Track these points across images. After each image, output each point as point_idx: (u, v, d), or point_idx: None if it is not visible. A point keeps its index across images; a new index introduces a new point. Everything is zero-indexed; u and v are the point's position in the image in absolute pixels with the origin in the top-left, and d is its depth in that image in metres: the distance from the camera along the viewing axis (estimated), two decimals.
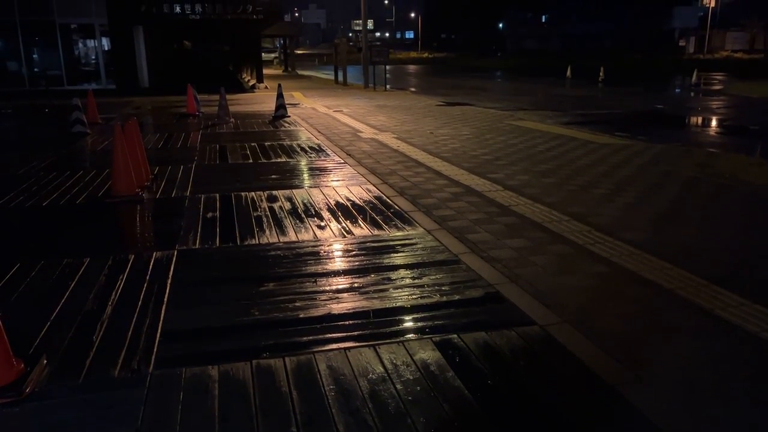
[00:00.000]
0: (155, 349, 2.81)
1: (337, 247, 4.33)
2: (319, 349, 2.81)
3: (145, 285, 3.59)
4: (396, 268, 3.87)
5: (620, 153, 7.98)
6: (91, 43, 20.89)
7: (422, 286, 3.57)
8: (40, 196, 5.84)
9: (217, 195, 5.83)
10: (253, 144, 9.02)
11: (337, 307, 3.27)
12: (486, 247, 4.23)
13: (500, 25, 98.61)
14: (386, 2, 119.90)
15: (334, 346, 2.84)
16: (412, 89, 23.85)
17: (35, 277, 3.72)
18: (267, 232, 4.65)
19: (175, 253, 4.17)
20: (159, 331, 3.00)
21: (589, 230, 4.59)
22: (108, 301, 3.37)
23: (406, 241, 4.40)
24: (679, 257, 3.96)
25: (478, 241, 4.36)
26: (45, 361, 2.68)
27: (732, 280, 3.60)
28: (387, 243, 4.37)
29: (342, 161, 7.60)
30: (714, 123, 14.00)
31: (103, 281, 3.66)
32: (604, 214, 5.03)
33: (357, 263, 3.97)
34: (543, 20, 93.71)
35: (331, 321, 3.11)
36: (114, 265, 3.93)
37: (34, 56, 20.09)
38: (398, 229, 4.72)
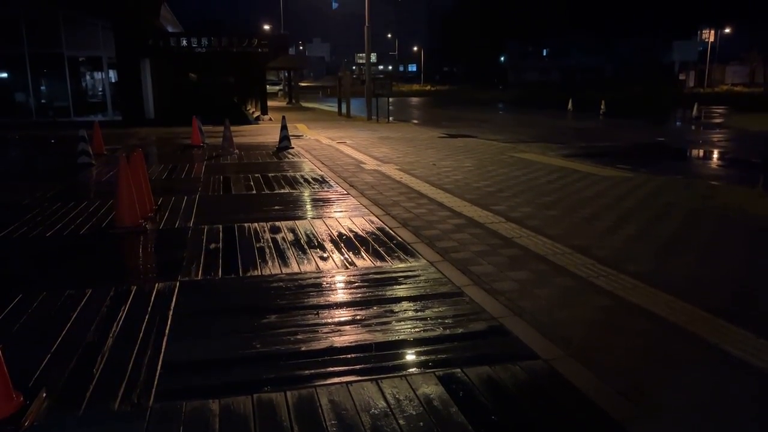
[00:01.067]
0: (156, 382, 2.79)
1: (340, 278, 4.32)
2: (321, 382, 2.79)
3: (147, 316, 3.58)
4: (399, 300, 3.86)
5: (622, 185, 8.00)
6: (98, 75, 21.22)
7: (425, 318, 3.55)
8: (44, 227, 5.85)
9: (220, 226, 5.84)
10: (256, 175, 9.07)
11: (339, 340, 3.25)
12: (489, 279, 4.21)
13: (501, 58, 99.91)
14: (389, 36, 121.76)
15: (336, 380, 2.81)
16: (415, 121, 24.06)
17: (37, 309, 3.71)
18: (269, 263, 4.65)
19: (177, 284, 4.17)
20: (160, 363, 2.98)
21: (593, 263, 4.57)
22: (109, 332, 3.35)
23: (409, 273, 4.39)
24: (683, 290, 3.94)
25: (482, 273, 4.35)
26: (44, 394, 2.65)
27: (737, 313, 3.57)
28: (390, 275, 4.36)
29: (345, 192, 7.63)
30: (715, 156, 14.06)
31: (104, 313, 3.64)
32: (608, 247, 5.02)
33: (359, 295, 3.96)
34: (544, 53, 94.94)
35: (333, 354, 3.09)
36: (116, 296, 3.92)
37: (42, 88, 20.40)
38: (401, 260, 4.71)
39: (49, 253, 5.10)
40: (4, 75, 20.23)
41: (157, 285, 4.14)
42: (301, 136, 15.51)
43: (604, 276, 4.26)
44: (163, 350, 3.12)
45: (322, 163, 10.26)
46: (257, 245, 5.16)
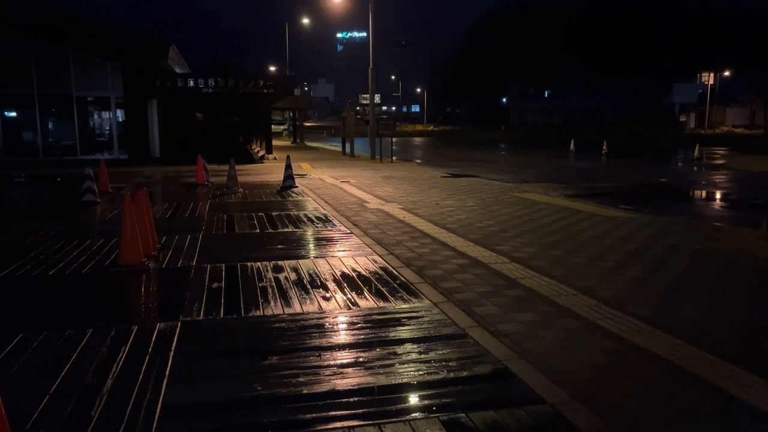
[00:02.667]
0: (154, 426, 2.74)
1: (342, 319, 4.28)
2: (323, 427, 2.73)
3: (147, 357, 3.54)
4: (402, 342, 3.82)
5: (626, 226, 7.99)
6: (105, 114, 21.53)
7: (429, 361, 3.50)
8: (47, 265, 5.85)
9: (223, 265, 5.83)
10: (260, 214, 9.10)
11: (341, 383, 3.20)
12: (493, 320, 4.17)
13: (503, 100, 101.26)
14: (393, 77, 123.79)
15: (338, 424, 2.76)
16: (418, 161, 24.24)
17: (37, 349, 3.68)
18: (272, 303, 4.62)
19: (179, 324, 4.13)
20: (159, 406, 2.93)
21: (598, 304, 4.53)
22: (109, 373, 3.31)
23: (413, 314, 4.35)
24: (689, 333, 3.89)
25: (486, 314, 4.31)
26: None
27: (744, 357, 3.52)
28: (393, 315, 4.33)
29: (348, 231, 7.64)
30: (718, 197, 14.07)
31: (104, 353, 3.61)
32: (612, 288, 4.98)
33: (362, 336, 3.92)
34: (545, 95, 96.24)
35: (335, 397, 3.04)
36: (117, 336, 3.89)
37: (50, 127, 20.68)
38: (404, 301, 4.68)
39: (52, 291, 5.08)
40: (13, 114, 20.53)
41: (158, 325, 4.11)
42: (305, 175, 15.61)
43: (609, 318, 4.22)
44: (162, 392, 3.08)
45: (326, 202, 10.30)
46: (260, 285, 5.14)
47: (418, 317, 4.29)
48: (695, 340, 3.78)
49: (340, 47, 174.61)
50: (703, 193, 14.89)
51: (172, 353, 3.61)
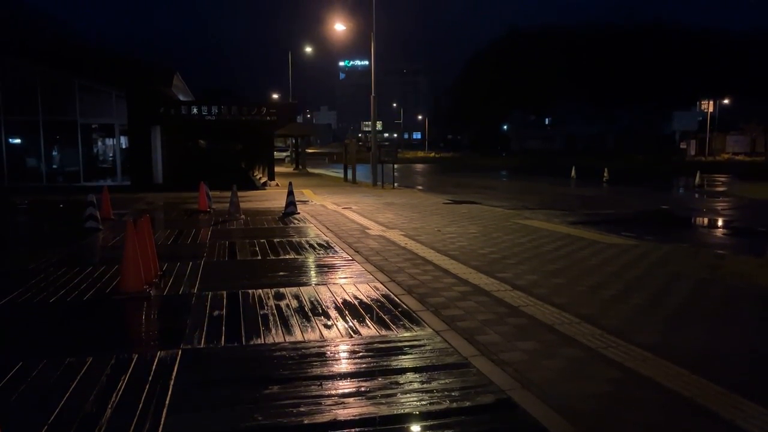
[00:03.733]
0: None
1: (344, 347, 4.25)
2: None
3: (147, 386, 3.51)
4: (404, 371, 3.78)
5: (628, 253, 7.97)
6: (109, 141, 21.70)
7: (431, 391, 3.46)
8: (48, 292, 5.83)
9: (225, 292, 5.81)
10: (262, 240, 9.10)
11: (343, 413, 3.16)
12: (496, 349, 4.14)
13: (504, 127, 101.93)
14: (394, 105, 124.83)
15: None
16: (420, 187, 24.32)
17: (36, 377, 3.65)
18: (273, 331, 4.60)
19: (180, 352, 4.11)
20: None
21: (601, 333, 4.50)
22: (108, 403, 3.28)
23: (415, 342, 4.32)
24: (695, 362, 3.86)
25: (488, 342, 4.28)
26: None
27: (750, 387, 3.48)
28: (395, 344, 4.30)
29: (350, 258, 7.63)
30: (720, 224, 14.06)
31: (104, 382, 3.58)
32: (616, 316, 4.95)
33: (364, 365, 3.88)
34: (546, 122, 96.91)
35: (336, 428, 3.00)
36: (117, 364, 3.86)
37: (54, 153, 20.83)
38: (406, 329, 4.65)
39: (52, 319, 5.06)
40: (18, 141, 20.68)
41: (159, 353, 4.08)
42: (307, 201, 15.65)
43: (613, 347, 4.19)
44: (162, 422, 3.05)
45: (328, 229, 10.30)
46: (261, 312, 5.12)
47: (420, 345, 4.26)
48: (700, 369, 3.74)
49: (342, 75, 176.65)
50: (705, 221, 14.88)
51: (172, 382, 3.58)
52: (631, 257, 7.68)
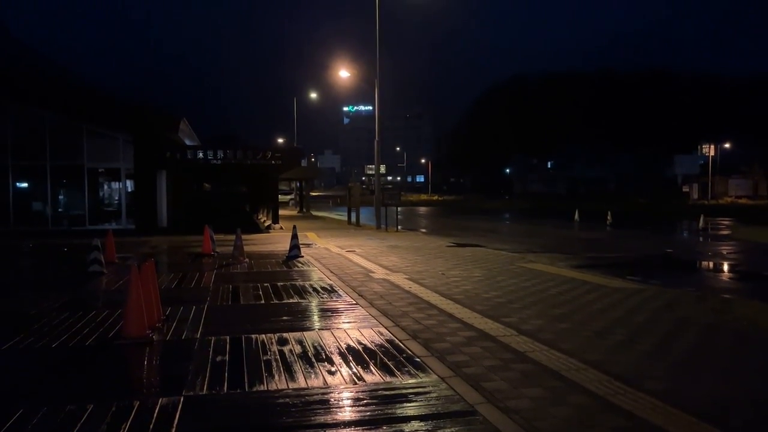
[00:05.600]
0: None
1: (348, 395, 4.19)
2: None
3: None
4: (409, 419, 3.72)
5: (634, 298, 7.92)
6: (115, 185, 21.88)
7: None
8: (50, 337, 5.80)
9: (228, 337, 5.77)
10: (265, 284, 9.08)
11: None
12: (503, 396, 4.08)
13: (507, 170, 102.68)
14: (398, 148, 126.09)
15: None
16: (423, 230, 24.34)
17: (36, 425, 3.60)
18: (276, 377, 4.54)
19: (182, 399, 4.05)
20: None
21: (609, 379, 4.43)
22: None
23: (420, 389, 4.26)
24: (705, 411, 3.78)
25: (494, 389, 4.21)
26: None
27: None
28: (399, 391, 4.23)
29: (354, 302, 7.59)
30: (725, 268, 13.98)
31: (104, 430, 3.52)
32: (623, 363, 4.89)
33: (368, 413, 3.82)
34: (549, 165, 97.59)
35: None
36: (117, 412, 3.81)
37: (60, 197, 20.97)
38: (411, 375, 4.59)
39: (54, 365, 5.01)
40: (25, 185, 20.88)
41: (160, 400, 4.03)
42: (311, 244, 15.66)
43: (621, 394, 4.12)
44: None
45: (331, 272, 10.28)
46: (264, 358, 5.07)
47: (425, 393, 4.19)
48: (711, 418, 3.67)
49: (346, 120, 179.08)
50: (710, 264, 14.81)
51: (173, 431, 3.52)
52: (636, 301, 7.62)
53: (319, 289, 8.64)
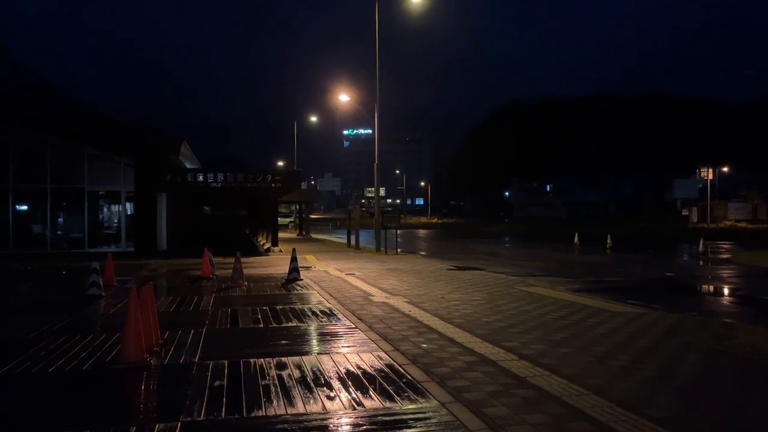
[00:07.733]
0: None
1: (346, 420, 4.14)
2: None
3: None
4: None
5: (635, 322, 7.87)
6: (115, 207, 21.89)
7: None
8: (47, 362, 5.75)
9: (226, 362, 5.72)
10: (264, 308, 9.03)
11: None
12: (504, 423, 4.02)
13: (507, 193, 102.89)
14: (398, 171, 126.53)
15: None
16: (423, 253, 24.29)
17: None
18: (274, 402, 4.49)
19: (179, 425, 4.00)
20: None
21: (611, 406, 4.38)
22: None
23: (420, 415, 4.21)
24: None
25: (496, 416, 4.16)
26: None
27: None
28: (399, 416, 4.18)
29: (353, 326, 7.53)
30: (727, 292, 13.92)
31: None
32: (625, 388, 4.84)
33: None
34: (548, 189, 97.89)
35: None
36: None
37: (60, 220, 20.94)
38: (411, 401, 4.54)
39: (50, 390, 4.96)
40: (24, 207, 20.87)
41: (157, 426, 3.97)
42: (311, 267, 15.61)
43: (624, 421, 4.07)
44: None
45: (331, 296, 10.23)
46: (263, 383, 5.02)
47: (425, 419, 4.14)
48: None
49: (346, 143, 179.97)
50: (712, 288, 14.74)
51: None
52: (638, 326, 7.57)
53: (318, 313, 8.59)
